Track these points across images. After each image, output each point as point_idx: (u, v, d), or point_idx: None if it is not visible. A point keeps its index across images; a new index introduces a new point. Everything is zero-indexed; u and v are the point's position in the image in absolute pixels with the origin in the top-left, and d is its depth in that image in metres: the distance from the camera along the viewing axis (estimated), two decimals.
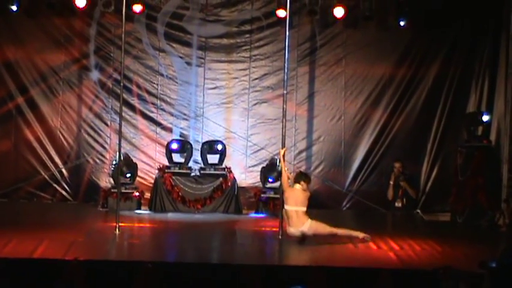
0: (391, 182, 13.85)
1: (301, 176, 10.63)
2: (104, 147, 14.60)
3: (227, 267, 8.73)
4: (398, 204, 13.84)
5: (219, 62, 14.77)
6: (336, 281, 8.23)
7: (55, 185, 14.41)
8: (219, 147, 14.02)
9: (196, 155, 14.19)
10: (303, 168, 14.21)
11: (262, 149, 14.60)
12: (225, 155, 14.01)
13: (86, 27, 14.56)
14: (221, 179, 13.67)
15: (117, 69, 14.21)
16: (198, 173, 13.88)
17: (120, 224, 10.77)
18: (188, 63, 14.74)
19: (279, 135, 11.27)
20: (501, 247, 10.32)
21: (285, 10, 11.30)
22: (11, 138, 14.44)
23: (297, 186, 10.48)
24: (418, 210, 14.05)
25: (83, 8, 13.97)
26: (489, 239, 11.58)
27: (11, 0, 13.74)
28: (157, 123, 14.69)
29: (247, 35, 14.77)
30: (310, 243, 10.24)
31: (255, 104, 14.75)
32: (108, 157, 14.50)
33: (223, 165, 13.88)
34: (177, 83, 14.74)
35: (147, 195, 13.82)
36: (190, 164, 14.05)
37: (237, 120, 14.77)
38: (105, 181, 14.37)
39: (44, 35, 14.45)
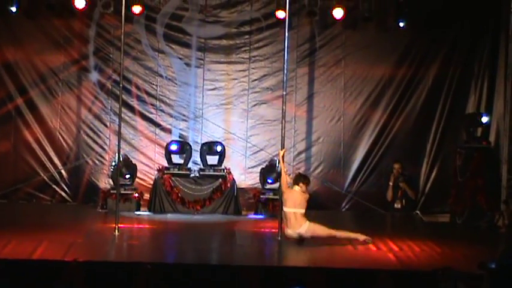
0: (391, 183, 13.85)
1: (300, 178, 10.62)
2: (103, 148, 14.60)
3: (226, 268, 8.73)
4: (397, 205, 13.84)
5: (218, 63, 14.77)
6: (335, 282, 8.23)
7: (54, 186, 14.41)
8: (219, 148, 14.02)
9: (196, 156, 14.19)
10: (302, 169, 14.22)
11: (261, 150, 14.60)
12: (224, 156, 14.00)
13: (85, 29, 14.56)
14: (220, 180, 13.67)
15: (117, 71, 14.21)
16: (197, 174, 13.87)
17: (119, 225, 10.77)
18: (187, 64, 14.74)
19: (278, 136, 11.27)
20: (500, 248, 10.33)
21: (285, 11, 11.30)
22: (10, 139, 14.43)
23: (296, 188, 10.48)
24: (418, 211, 14.05)
25: (83, 9, 13.96)
26: (488, 240, 11.58)
27: (10, 2, 13.74)
28: (157, 124, 14.69)
29: (247, 36, 14.77)
30: (310, 245, 10.24)
31: (255, 105, 14.75)
32: (107, 158, 14.50)
33: (223, 166, 13.88)
34: (176, 84, 14.74)
35: (147, 196, 13.82)
36: (190, 165, 14.04)
37: (237, 121, 14.76)
38: (105, 182, 14.36)
39: (43, 36, 14.46)
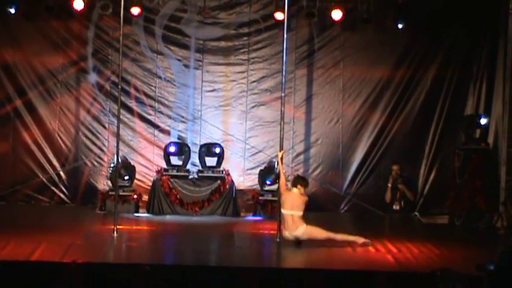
0: (389, 185, 13.86)
1: (298, 180, 10.62)
2: (102, 150, 14.59)
3: (225, 270, 8.73)
4: (396, 206, 13.85)
5: (217, 64, 14.76)
6: (334, 284, 8.23)
7: (53, 188, 14.39)
8: (217, 149, 14.03)
9: (194, 158, 14.19)
10: (300, 171, 14.23)
11: (260, 151, 14.59)
12: (223, 158, 14.01)
13: (84, 30, 14.56)
14: (219, 181, 13.67)
15: (115, 72, 14.21)
16: (196, 176, 13.87)
17: (118, 227, 10.78)
18: (186, 66, 14.74)
19: (277, 137, 11.29)
20: (499, 249, 10.31)
21: (283, 13, 11.33)
22: (9, 140, 14.43)
23: (294, 190, 10.48)
24: (416, 213, 14.05)
25: (81, 10, 13.97)
26: (487, 241, 11.60)
27: (9, 3, 13.74)
28: (155, 126, 14.68)
29: (245, 38, 14.76)
30: (308, 246, 10.24)
31: (253, 107, 14.75)
32: (106, 160, 14.49)
33: (221, 168, 13.89)
34: (175, 85, 14.73)
35: (145, 197, 13.81)
36: (188, 166, 14.04)
37: (235, 122, 14.76)
38: (103, 184, 14.35)
39: (42, 37, 14.45)
